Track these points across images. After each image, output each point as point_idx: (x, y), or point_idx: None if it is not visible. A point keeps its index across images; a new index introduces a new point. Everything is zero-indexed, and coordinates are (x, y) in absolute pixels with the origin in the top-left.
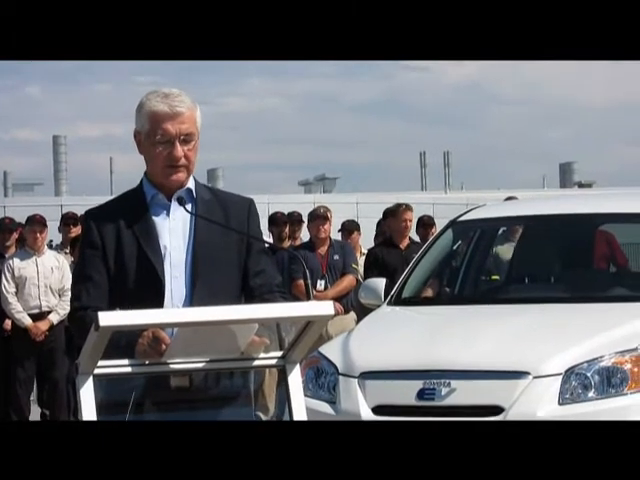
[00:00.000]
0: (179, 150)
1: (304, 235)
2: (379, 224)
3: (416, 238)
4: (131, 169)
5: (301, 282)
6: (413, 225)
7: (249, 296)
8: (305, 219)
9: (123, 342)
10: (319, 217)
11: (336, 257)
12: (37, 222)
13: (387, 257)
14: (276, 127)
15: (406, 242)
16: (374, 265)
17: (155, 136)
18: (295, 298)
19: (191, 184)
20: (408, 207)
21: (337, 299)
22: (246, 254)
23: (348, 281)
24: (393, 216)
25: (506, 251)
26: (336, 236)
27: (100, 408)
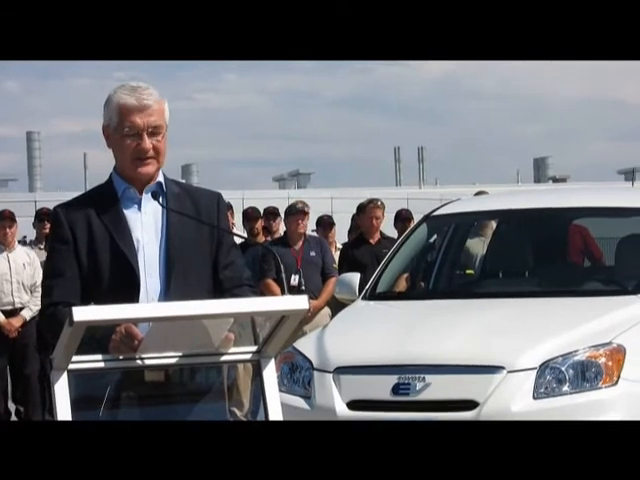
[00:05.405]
0: (147, 142)
1: (283, 229)
2: (353, 218)
3: (393, 233)
4: (106, 165)
5: (270, 281)
6: (389, 220)
7: (218, 289)
8: (282, 214)
9: (98, 337)
10: (298, 212)
11: (312, 253)
12: (6, 217)
13: (357, 253)
14: (251, 123)
15: (377, 237)
16: (344, 261)
17: (123, 129)
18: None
19: (161, 178)
20: (377, 204)
21: None
22: (217, 248)
23: (333, 284)
24: (363, 212)
25: (476, 245)
26: (310, 232)
27: (75, 404)
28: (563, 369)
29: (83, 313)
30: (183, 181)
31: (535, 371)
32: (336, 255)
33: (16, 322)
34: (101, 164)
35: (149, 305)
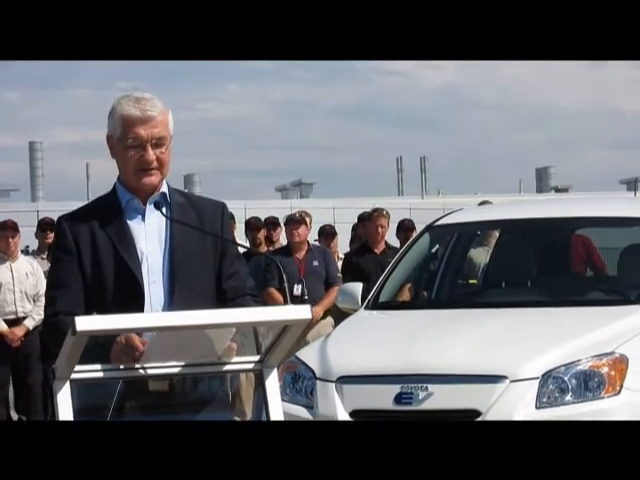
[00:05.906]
0: (150, 154)
1: (284, 239)
2: (354, 228)
3: (395, 242)
4: (108, 175)
5: (273, 290)
6: (392, 230)
7: (221, 299)
8: (282, 223)
9: (101, 347)
10: (294, 221)
11: (315, 263)
12: (9, 227)
13: (362, 262)
14: (253, 132)
15: (382, 247)
16: (348, 270)
17: (127, 140)
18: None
19: (165, 188)
20: (382, 213)
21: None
22: (220, 258)
23: (335, 293)
24: (368, 221)
25: (479, 255)
26: (312, 241)
27: (78, 413)
28: (566, 379)
29: (86, 323)
30: (184, 190)
31: (538, 381)
32: (338, 265)
33: (19, 331)
34: (104, 174)
35: (152, 315)
